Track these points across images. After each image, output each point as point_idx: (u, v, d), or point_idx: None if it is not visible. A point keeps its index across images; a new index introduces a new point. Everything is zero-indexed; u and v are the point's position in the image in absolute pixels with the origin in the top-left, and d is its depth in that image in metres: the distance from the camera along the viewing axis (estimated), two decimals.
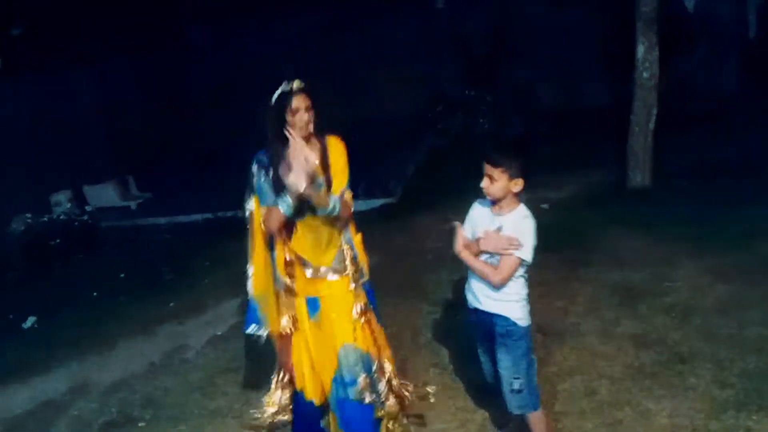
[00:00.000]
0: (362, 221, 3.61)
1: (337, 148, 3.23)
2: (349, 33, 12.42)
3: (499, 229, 3.01)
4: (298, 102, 3.04)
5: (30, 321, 6.20)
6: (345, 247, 3.31)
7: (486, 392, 3.78)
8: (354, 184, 3.35)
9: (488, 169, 2.97)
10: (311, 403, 3.39)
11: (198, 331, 5.50)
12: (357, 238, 3.37)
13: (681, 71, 10.42)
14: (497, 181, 2.96)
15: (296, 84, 3.06)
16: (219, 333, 5.39)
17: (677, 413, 3.51)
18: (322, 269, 3.30)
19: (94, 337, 5.61)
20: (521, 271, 3.02)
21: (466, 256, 3.07)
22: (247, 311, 3.44)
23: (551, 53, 12.35)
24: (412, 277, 5.89)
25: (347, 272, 3.31)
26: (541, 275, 5.49)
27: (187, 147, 11.75)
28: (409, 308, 5.20)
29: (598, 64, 11.66)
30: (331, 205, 3.07)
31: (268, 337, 3.42)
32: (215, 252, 7.45)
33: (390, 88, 11.87)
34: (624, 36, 7.93)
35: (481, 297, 3.13)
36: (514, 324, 3.05)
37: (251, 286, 3.37)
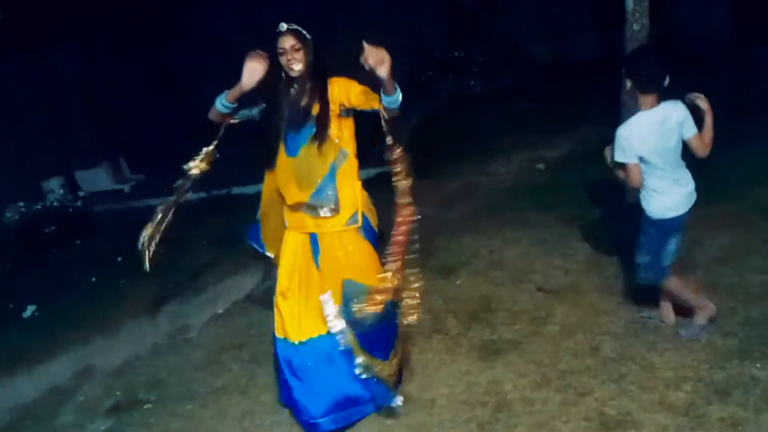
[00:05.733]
0: None
1: (338, 83, 3.35)
2: None
3: None
4: (284, 42, 3.25)
5: (30, 310, 6.18)
6: (327, 187, 3.40)
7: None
8: None
9: None
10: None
11: (199, 310, 5.49)
12: (355, 185, 3.47)
13: (671, 19, 10.25)
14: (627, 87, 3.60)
15: (283, 26, 3.27)
16: (220, 311, 5.38)
17: (681, 365, 3.51)
18: (302, 206, 3.45)
19: (96, 322, 5.60)
20: (645, 168, 3.53)
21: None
22: (251, 227, 3.83)
23: (541, 7, 12.13)
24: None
25: (329, 212, 3.42)
26: (539, 234, 5.50)
27: (178, 126, 11.61)
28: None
29: (590, 16, 11.48)
30: (396, 94, 3.10)
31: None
32: (212, 231, 7.41)
33: None
34: None
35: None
36: (645, 212, 3.64)
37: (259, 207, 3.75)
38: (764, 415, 3.06)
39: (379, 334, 3.47)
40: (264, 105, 3.45)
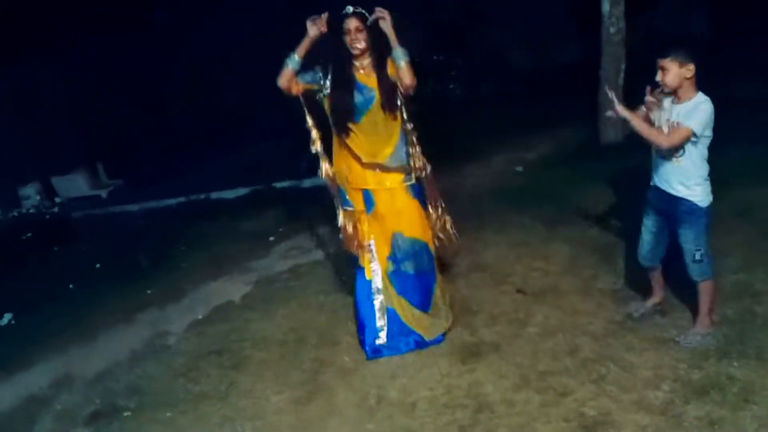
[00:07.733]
0: None
1: (391, 64, 3.82)
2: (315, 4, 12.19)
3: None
4: (349, 24, 3.76)
5: (6, 318, 6.10)
6: (401, 149, 3.98)
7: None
8: None
9: (660, 63, 3.43)
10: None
11: (178, 316, 5.44)
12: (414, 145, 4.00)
13: (648, 24, 10.37)
14: (669, 71, 3.40)
15: (349, 9, 3.77)
16: (199, 317, 5.34)
17: (659, 365, 3.54)
18: (376, 166, 3.98)
19: (74, 330, 5.53)
20: (700, 149, 3.52)
21: (628, 114, 3.57)
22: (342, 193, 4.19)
23: (521, 13, 12.22)
24: None
25: (402, 171, 4.00)
26: (518, 236, 5.53)
27: (155, 131, 11.55)
28: None
29: (570, 21, 11.57)
30: (399, 49, 3.71)
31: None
32: (191, 236, 7.38)
33: None
34: None
35: (673, 182, 3.59)
36: (697, 204, 3.53)
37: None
38: (741, 413, 3.09)
39: (418, 285, 4.13)
40: (330, 77, 3.88)
